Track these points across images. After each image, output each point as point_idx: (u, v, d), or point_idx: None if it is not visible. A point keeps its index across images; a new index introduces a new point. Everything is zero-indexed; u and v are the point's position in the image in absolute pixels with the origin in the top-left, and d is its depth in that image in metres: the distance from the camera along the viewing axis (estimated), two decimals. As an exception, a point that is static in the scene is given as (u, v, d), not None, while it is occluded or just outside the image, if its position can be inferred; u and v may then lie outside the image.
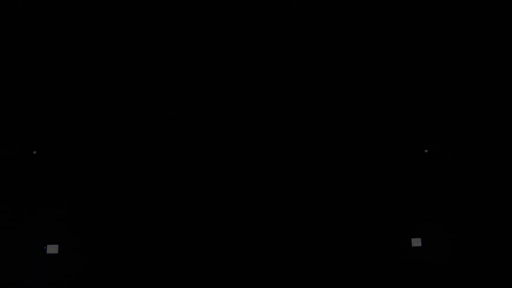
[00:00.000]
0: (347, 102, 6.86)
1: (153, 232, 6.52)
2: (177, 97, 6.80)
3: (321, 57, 6.91)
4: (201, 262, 6.49)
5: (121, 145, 6.68)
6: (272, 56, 6.89)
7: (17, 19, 6.66)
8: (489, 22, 6.85)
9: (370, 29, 6.89)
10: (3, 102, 6.62)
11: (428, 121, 6.81)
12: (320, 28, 6.91)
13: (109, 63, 6.78)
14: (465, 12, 6.86)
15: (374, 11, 6.89)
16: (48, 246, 6.36)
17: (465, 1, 6.84)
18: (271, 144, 6.76)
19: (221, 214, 6.61)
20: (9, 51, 6.66)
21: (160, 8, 6.81)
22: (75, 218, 6.49)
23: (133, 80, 6.78)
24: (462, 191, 6.66)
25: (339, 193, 6.68)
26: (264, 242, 6.56)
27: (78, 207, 6.51)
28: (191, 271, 6.46)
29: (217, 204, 6.63)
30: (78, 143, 6.64)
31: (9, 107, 6.63)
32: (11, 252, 6.31)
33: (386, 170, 6.72)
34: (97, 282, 6.36)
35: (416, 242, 6.57)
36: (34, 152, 6.56)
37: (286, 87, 6.86)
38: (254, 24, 6.86)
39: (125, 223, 6.51)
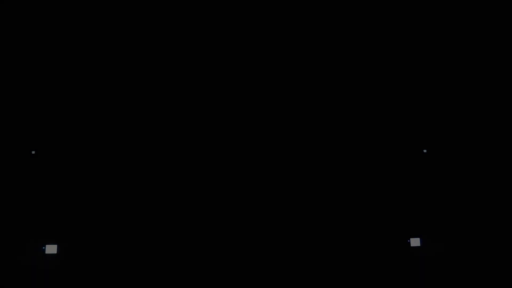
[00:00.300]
0: (346, 102, 6.87)
1: (153, 232, 6.51)
2: (177, 97, 6.79)
3: (320, 57, 6.91)
4: (201, 262, 6.49)
5: (121, 145, 6.67)
6: (271, 56, 6.89)
7: (17, 19, 6.65)
8: (489, 22, 6.86)
9: (370, 29, 6.90)
10: (3, 102, 6.60)
11: (427, 121, 6.81)
12: (320, 28, 6.92)
13: (108, 63, 6.77)
14: (464, 12, 6.88)
15: (374, 9, 6.90)
16: (47, 246, 6.34)
17: (465, 1, 6.86)
18: (271, 144, 6.76)
19: (220, 214, 6.61)
20: (9, 51, 6.65)
21: (159, 7, 6.81)
22: (75, 218, 6.47)
23: (133, 80, 6.78)
24: (461, 191, 6.67)
25: (338, 193, 6.68)
26: (264, 242, 6.57)
27: (77, 207, 6.50)
28: (191, 271, 6.46)
29: (217, 204, 6.63)
30: (78, 143, 6.63)
31: (9, 107, 6.61)
32: (11, 252, 6.30)
33: (384, 170, 6.73)
34: (97, 282, 6.35)
35: (415, 242, 6.58)
36: (33, 152, 6.55)
37: (286, 87, 6.87)
38: (253, 23, 6.87)
39: (125, 223, 6.50)
